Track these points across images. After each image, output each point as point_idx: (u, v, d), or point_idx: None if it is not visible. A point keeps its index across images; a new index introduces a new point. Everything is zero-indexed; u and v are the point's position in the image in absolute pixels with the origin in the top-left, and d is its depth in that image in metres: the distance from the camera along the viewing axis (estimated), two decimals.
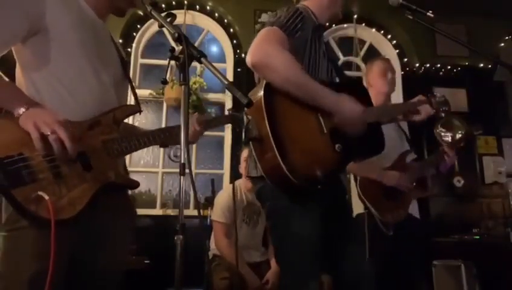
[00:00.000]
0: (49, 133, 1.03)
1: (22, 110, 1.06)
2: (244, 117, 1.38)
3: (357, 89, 1.53)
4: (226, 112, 1.75)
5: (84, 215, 1.10)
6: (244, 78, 3.91)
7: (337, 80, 1.61)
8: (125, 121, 1.33)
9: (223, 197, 2.87)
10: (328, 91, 1.36)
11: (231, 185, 2.92)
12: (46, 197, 1.01)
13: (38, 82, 1.17)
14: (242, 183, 2.92)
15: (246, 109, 1.28)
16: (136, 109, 1.38)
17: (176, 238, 0.95)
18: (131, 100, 1.46)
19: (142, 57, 4.14)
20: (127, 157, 4.07)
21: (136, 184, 1.29)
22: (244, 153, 2.79)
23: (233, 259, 2.58)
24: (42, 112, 1.07)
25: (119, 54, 1.40)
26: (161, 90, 3.80)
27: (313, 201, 1.37)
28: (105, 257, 1.22)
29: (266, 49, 1.31)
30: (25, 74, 1.19)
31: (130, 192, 3.86)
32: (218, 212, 2.81)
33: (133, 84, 1.51)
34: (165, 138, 1.37)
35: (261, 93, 1.29)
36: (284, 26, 1.35)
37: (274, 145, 1.22)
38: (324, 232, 1.38)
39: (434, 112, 1.83)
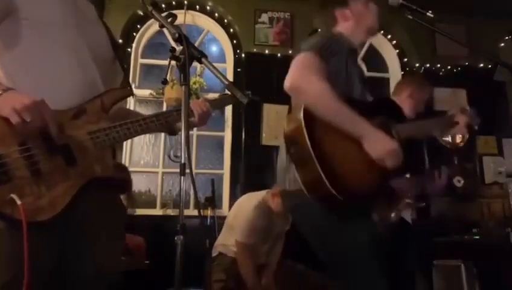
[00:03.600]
0: (28, 119, 0.95)
1: None
2: (282, 145, 1.38)
3: (390, 108, 1.55)
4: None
5: (67, 215, 1.01)
6: (244, 78, 3.91)
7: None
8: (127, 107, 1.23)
9: (250, 214, 2.60)
10: (358, 119, 1.35)
11: (252, 199, 2.73)
12: (19, 202, 0.93)
13: (8, 66, 1.08)
14: (272, 202, 2.65)
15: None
16: (126, 93, 1.25)
17: (176, 238, 0.94)
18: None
19: (142, 57, 4.14)
20: (127, 156, 4.05)
21: (126, 176, 1.18)
22: (275, 189, 2.58)
23: (252, 284, 2.53)
24: (19, 95, 0.99)
25: (109, 36, 1.30)
26: (161, 90, 3.80)
27: (359, 214, 1.37)
28: (92, 259, 1.12)
29: (300, 74, 1.35)
30: None
31: None
32: (243, 231, 2.59)
33: (127, 71, 1.42)
34: (160, 124, 1.24)
35: (301, 114, 1.30)
36: (319, 52, 1.37)
37: (318, 166, 1.22)
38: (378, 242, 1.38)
39: (469, 122, 1.75)
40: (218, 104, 1.51)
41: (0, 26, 1.09)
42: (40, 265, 0.95)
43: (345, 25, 1.58)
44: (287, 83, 1.36)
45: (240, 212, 2.72)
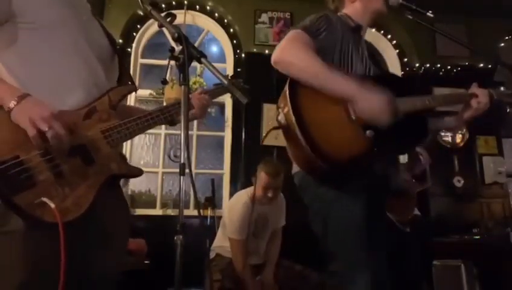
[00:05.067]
0: (46, 129, 0.97)
1: (12, 103, 0.98)
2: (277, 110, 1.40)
3: (396, 83, 1.50)
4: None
5: (86, 215, 1.03)
6: (244, 78, 3.91)
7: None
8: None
9: (239, 211, 2.66)
10: (347, 79, 1.34)
11: (241, 196, 2.79)
12: (52, 205, 0.95)
13: (17, 72, 1.09)
14: (254, 194, 2.74)
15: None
16: (131, 89, 1.29)
17: (175, 238, 0.95)
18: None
19: (142, 57, 4.15)
20: (127, 156, 4.06)
21: (139, 172, 1.21)
22: (260, 175, 2.70)
23: (247, 279, 2.56)
24: (35, 105, 0.99)
25: (104, 31, 1.31)
26: (161, 90, 3.80)
27: (358, 188, 1.36)
28: (104, 257, 1.13)
29: (285, 47, 1.39)
30: (1, 61, 1.10)
31: (129, 191, 3.85)
32: (235, 229, 2.63)
33: (126, 67, 1.44)
34: (165, 118, 1.29)
35: (288, 83, 1.37)
36: (306, 28, 1.40)
37: (299, 132, 1.25)
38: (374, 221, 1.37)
39: (494, 97, 1.53)
40: (215, 94, 1.59)
41: (4, 33, 1.09)
42: (48, 268, 0.95)
43: (351, 7, 1.59)
44: (273, 57, 1.40)
45: (231, 211, 2.74)
